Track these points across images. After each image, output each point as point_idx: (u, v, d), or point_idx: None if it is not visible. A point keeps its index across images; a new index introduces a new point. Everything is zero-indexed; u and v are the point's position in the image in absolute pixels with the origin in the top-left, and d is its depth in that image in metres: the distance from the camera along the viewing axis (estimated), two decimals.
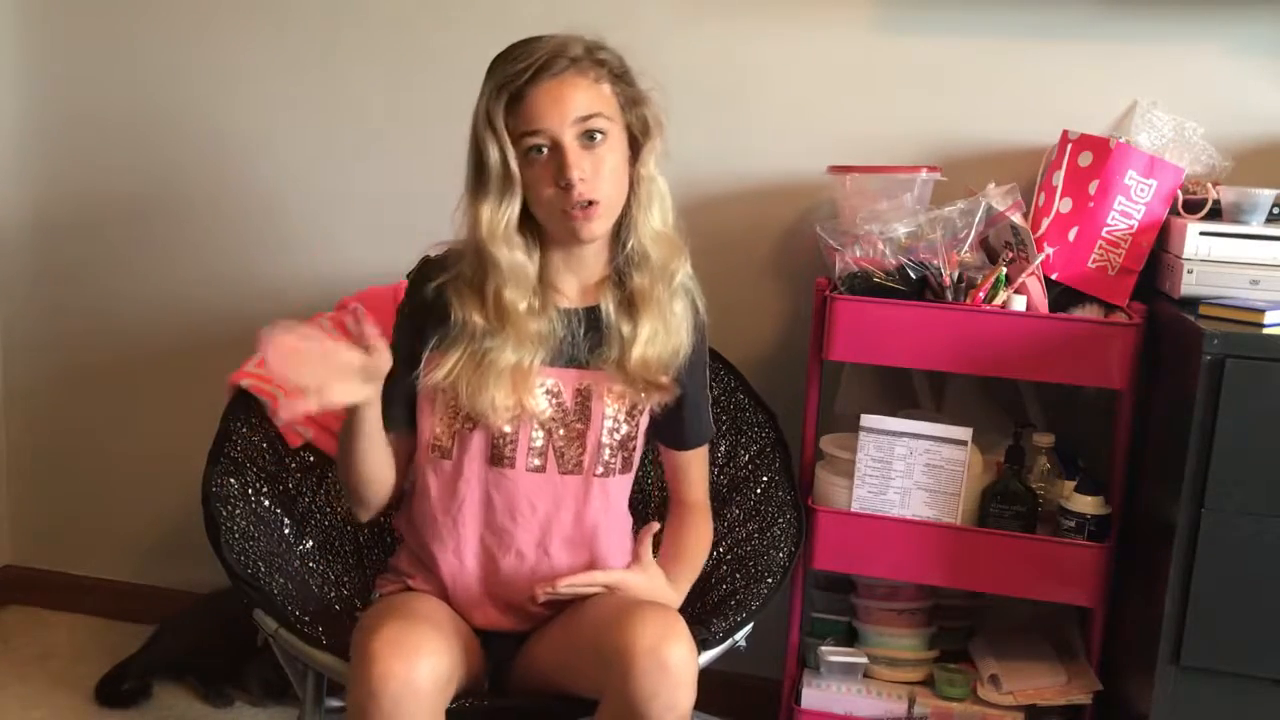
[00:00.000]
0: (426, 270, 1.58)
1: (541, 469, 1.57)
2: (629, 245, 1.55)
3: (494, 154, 1.47)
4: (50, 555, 2.60)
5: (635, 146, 1.55)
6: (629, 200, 1.55)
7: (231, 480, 1.73)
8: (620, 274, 1.57)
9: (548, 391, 1.56)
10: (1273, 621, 1.58)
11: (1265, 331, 1.58)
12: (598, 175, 1.48)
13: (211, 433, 1.78)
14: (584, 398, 1.57)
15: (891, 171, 1.89)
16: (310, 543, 1.80)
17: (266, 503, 1.76)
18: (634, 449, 1.61)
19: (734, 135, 2.10)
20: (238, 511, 1.70)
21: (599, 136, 1.49)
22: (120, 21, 2.34)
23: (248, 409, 1.82)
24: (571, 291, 1.59)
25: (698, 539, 1.68)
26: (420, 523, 1.62)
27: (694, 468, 1.70)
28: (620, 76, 1.54)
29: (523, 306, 1.52)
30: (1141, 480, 1.80)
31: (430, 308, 1.55)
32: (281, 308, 2.29)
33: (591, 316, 1.58)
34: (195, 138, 2.34)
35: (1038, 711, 1.87)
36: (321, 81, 2.27)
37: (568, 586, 1.51)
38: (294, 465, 1.84)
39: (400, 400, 1.57)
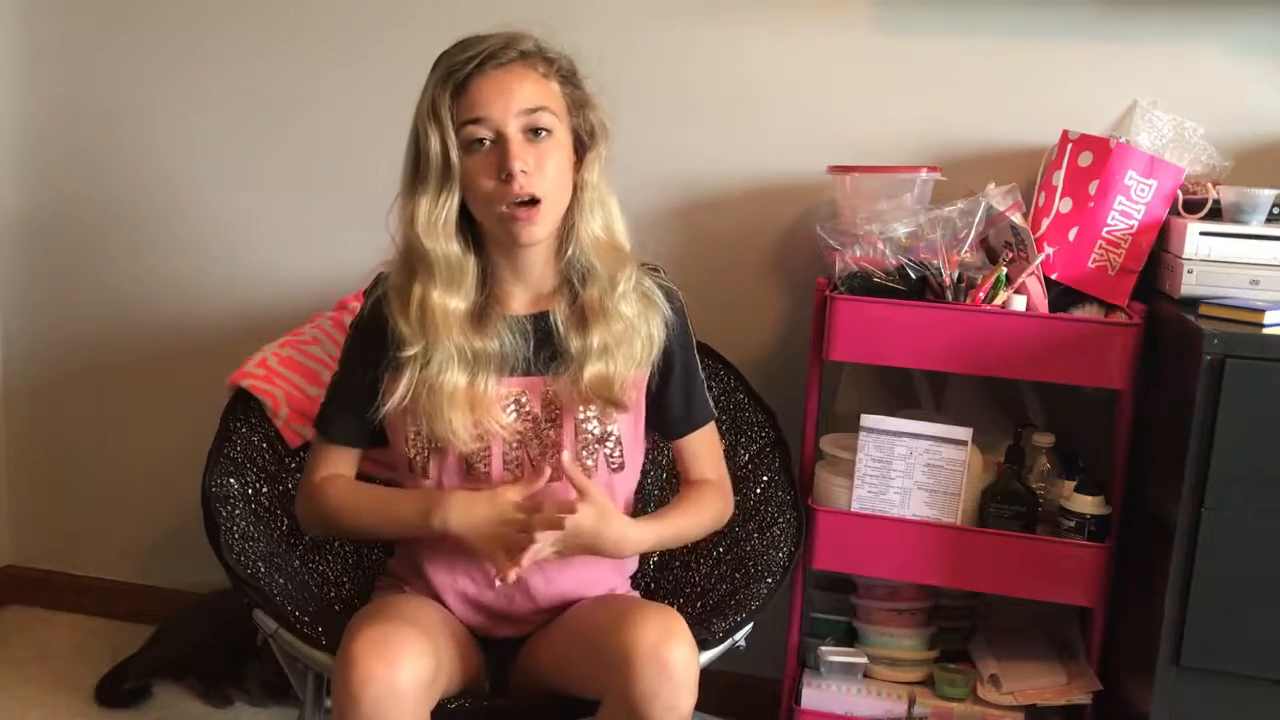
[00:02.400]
0: (376, 285, 1.57)
1: (519, 480, 1.54)
2: (570, 253, 1.52)
3: (435, 144, 1.45)
4: (50, 555, 2.60)
5: (580, 152, 1.52)
6: (571, 206, 1.51)
7: (231, 480, 1.73)
8: (570, 284, 1.54)
9: (515, 402, 1.54)
10: (1273, 621, 1.58)
11: (1265, 331, 1.58)
12: (541, 171, 1.45)
13: (211, 433, 1.78)
14: (553, 405, 1.55)
15: (891, 171, 1.89)
16: (310, 543, 1.80)
17: (266, 503, 1.76)
18: (615, 445, 1.58)
19: (734, 135, 2.10)
20: (238, 511, 1.70)
21: (544, 134, 1.46)
22: (118, 22, 2.34)
23: (248, 409, 1.82)
24: (521, 300, 1.56)
25: (692, 501, 1.64)
26: (413, 537, 1.63)
27: (695, 450, 1.67)
28: (568, 77, 1.52)
29: (451, 306, 1.48)
30: (1141, 480, 1.80)
31: (372, 326, 1.53)
32: (282, 307, 2.29)
33: (541, 326, 1.54)
34: (194, 138, 2.35)
35: (1038, 711, 1.87)
36: (322, 80, 2.27)
37: (529, 560, 1.43)
38: (294, 465, 1.84)
39: (357, 414, 1.55)
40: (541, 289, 1.56)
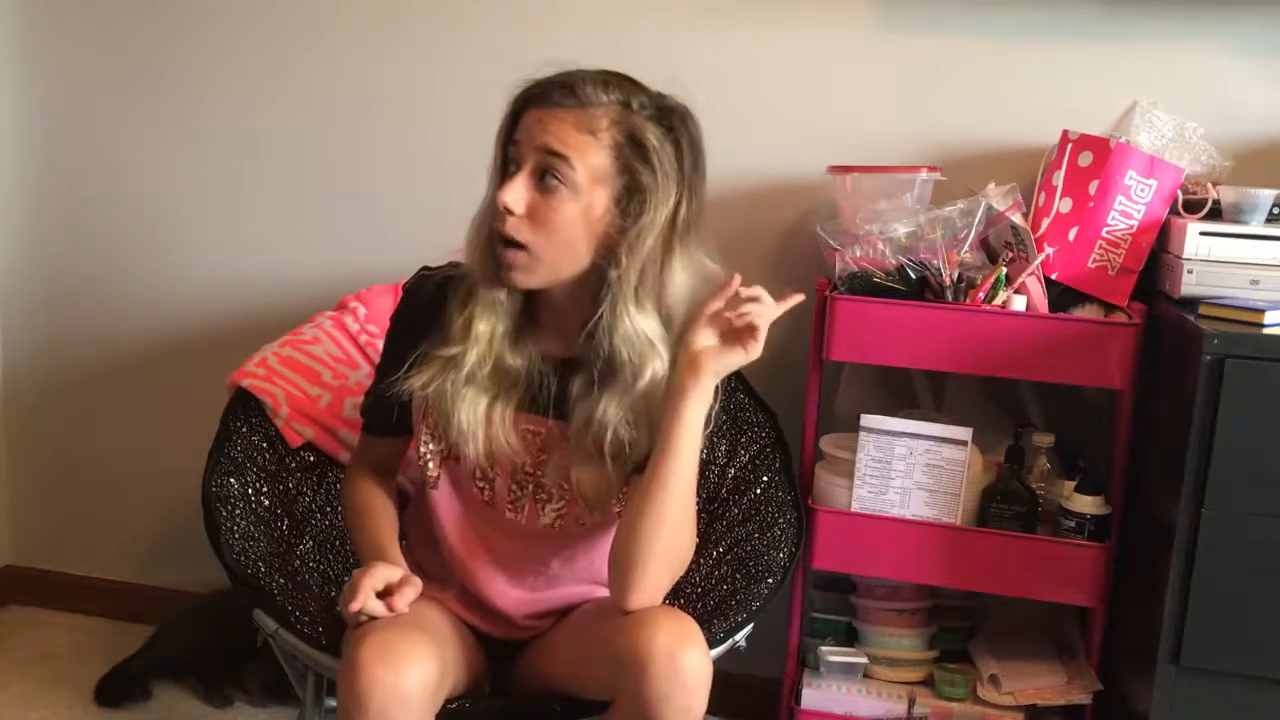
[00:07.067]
0: (424, 278, 1.56)
1: (518, 519, 1.54)
2: (598, 327, 1.41)
3: (495, 155, 1.45)
4: (50, 555, 2.60)
5: (630, 221, 1.40)
6: (610, 283, 1.40)
7: (231, 480, 1.73)
8: (596, 357, 1.43)
9: (531, 434, 1.52)
10: (1273, 621, 1.58)
11: (1265, 331, 1.59)
12: (536, 221, 1.38)
13: (211, 433, 1.78)
14: (563, 453, 1.51)
15: (891, 171, 1.89)
16: (310, 543, 1.80)
17: (266, 503, 1.76)
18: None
19: (734, 135, 2.10)
20: (238, 511, 1.70)
21: (554, 183, 1.37)
22: (119, 26, 2.34)
23: (248, 409, 1.82)
24: (552, 335, 1.51)
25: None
26: (421, 536, 1.63)
27: None
28: (638, 145, 1.39)
29: (494, 329, 1.46)
30: (1141, 480, 1.80)
31: (430, 301, 1.51)
32: (282, 308, 2.29)
33: (567, 371, 1.49)
34: (194, 139, 2.34)
35: (1038, 711, 1.87)
36: (320, 82, 2.27)
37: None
38: (294, 465, 1.84)
39: (392, 407, 1.55)
40: (568, 331, 1.48)
